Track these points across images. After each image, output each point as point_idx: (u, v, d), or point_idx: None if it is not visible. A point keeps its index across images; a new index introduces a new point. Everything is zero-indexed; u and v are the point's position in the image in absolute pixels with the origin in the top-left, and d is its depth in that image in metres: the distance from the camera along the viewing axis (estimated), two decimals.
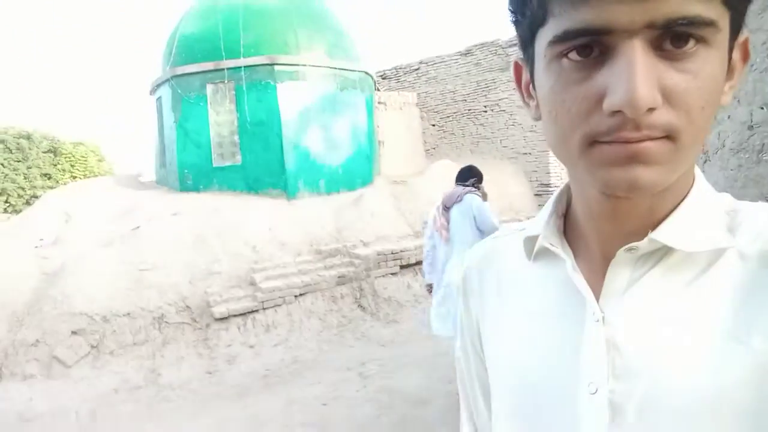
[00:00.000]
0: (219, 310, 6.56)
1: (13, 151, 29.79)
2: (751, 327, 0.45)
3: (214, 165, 10.13)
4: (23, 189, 29.26)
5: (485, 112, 12.97)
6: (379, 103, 12.72)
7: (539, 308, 0.58)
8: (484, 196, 4.27)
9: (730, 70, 0.48)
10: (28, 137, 30.77)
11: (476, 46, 13.28)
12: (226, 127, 10.17)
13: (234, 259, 7.38)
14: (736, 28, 0.46)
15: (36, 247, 7.32)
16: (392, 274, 8.02)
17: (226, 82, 10.12)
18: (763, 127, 1.11)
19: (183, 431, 4.40)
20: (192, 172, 10.21)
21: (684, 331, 0.47)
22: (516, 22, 0.51)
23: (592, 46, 0.43)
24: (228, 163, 10.12)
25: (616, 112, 0.42)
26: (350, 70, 11.08)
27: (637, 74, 0.40)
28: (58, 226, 8.10)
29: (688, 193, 0.52)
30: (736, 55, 0.48)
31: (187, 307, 6.58)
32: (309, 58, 10.40)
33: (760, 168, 1.11)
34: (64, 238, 7.58)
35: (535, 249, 0.60)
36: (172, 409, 4.95)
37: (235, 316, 6.63)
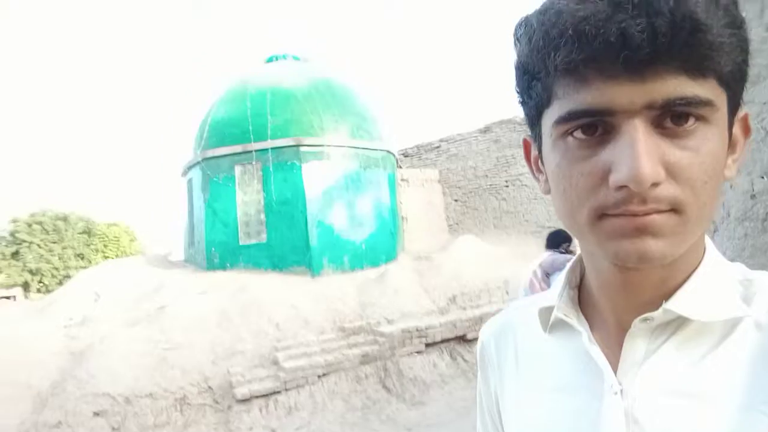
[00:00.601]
0: (241, 392, 6.44)
1: (50, 233, 30.87)
2: None
3: (240, 243, 10.32)
4: (57, 269, 30.04)
5: (507, 186, 13.09)
6: (401, 180, 12.98)
7: (556, 382, 0.58)
8: None
9: (732, 145, 0.50)
10: (65, 219, 31.98)
11: (495, 123, 13.64)
12: (253, 206, 10.44)
13: (257, 338, 7.34)
14: (734, 105, 0.48)
15: (65, 326, 7.43)
16: (417, 352, 7.83)
17: (253, 163, 10.52)
18: (764, 196, 1.12)
19: None
20: (219, 251, 10.41)
21: (703, 402, 0.47)
22: (523, 103, 0.54)
23: (596, 125, 0.46)
24: (254, 241, 10.30)
25: (621, 187, 0.44)
26: (373, 150, 11.43)
27: (640, 151, 0.43)
28: (87, 305, 8.24)
29: (699, 263, 0.52)
30: (737, 130, 0.51)
31: (210, 387, 6.49)
32: (333, 139, 10.80)
33: (766, 236, 1.11)
34: (92, 318, 7.68)
35: (551, 321, 0.60)
36: None
37: (257, 397, 6.50)
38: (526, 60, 0.49)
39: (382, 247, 10.93)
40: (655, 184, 0.43)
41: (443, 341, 8.13)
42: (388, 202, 11.57)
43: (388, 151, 12.00)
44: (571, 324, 0.57)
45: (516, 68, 0.52)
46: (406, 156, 15.82)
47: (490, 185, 13.42)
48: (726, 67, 0.44)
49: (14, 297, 24.46)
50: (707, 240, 0.54)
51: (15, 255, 29.10)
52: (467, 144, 14.23)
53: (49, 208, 32.22)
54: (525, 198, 12.72)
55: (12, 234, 29.57)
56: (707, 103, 0.44)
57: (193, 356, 6.73)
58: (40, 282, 29.49)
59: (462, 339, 8.31)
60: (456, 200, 14.23)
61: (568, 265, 0.62)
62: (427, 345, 7.96)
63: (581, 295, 0.60)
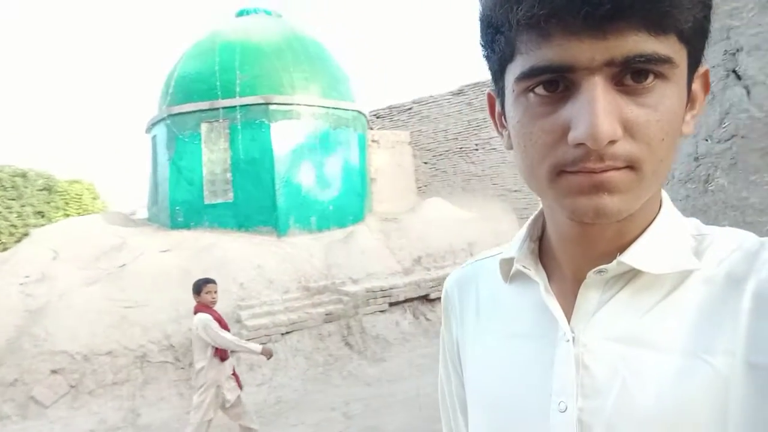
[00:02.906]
0: None
1: (8, 189, 29.88)
2: (711, 345, 0.47)
3: (205, 202, 10.14)
4: (15, 227, 29.21)
5: (476, 150, 13.11)
6: (372, 141, 12.86)
7: (515, 329, 0.60)
8: None
9: (691, 101, 0.51)
10: (24, 175, 30.86)
11: (468, 86, 13.52)
12: (219, 165, 10.23)
13: (221, 296, 7.27)
14: (694, 62, 0.48)
15: (21, 284, 7.23)
16: (381, 311, 7.93)
17: (221, 120, 10.25)
18: (707, 158, 1.13)
19: None
20: (183, 209, 10.21)
21: (649, 349, 0.49)
22: (487, 57, 0.54)
23: (558, 82, 0.46)
24: (220, 200, 10.13)
25: (579, 144, 0.44)
26: (344, 109, 11.24)
27: (598, 109, 0.43)
28: (45, 263, 8.02)
29: (655, 217, 0.53)
30: (697, 86, 0.51)
31: (171, 345, 6.47)
32: (303, 98, 10.56)
33: (706, 198, 1.13)
34: (50, 275, 7.49)
35: (512, 271, 0.62)
36: None
37: None
38: (489, 13, 0.49)
39: (349, 209, 10.89)
40: (612, 142, 0.43)
41: (406, 300, 8.26)
42: (357, 163, 11.47)
43: (359, 112, 11.83)
44: (529, 275, 0.59)
45: (480, 21, 0.51)
46: (378, 117, 15.64)
47: (460, 148, 13.42)
48: (686, 23, 0.44)
49: None
50: (663, 194, 0.56)
51: None
52: (439, 106, 14.11)
53: (7, 164, 30.97)
54: (494, 162, 12.78)
55: None
56: (666, 60, 0.44)
57: (154, 314, 6.68)
58: None
59: (425, 299, 8.46)
60: (425, 162, 14.21)
61: (530, 218, 0.64)
62: (391, 304, 8.08)
63: (543, 247, 0.62)
